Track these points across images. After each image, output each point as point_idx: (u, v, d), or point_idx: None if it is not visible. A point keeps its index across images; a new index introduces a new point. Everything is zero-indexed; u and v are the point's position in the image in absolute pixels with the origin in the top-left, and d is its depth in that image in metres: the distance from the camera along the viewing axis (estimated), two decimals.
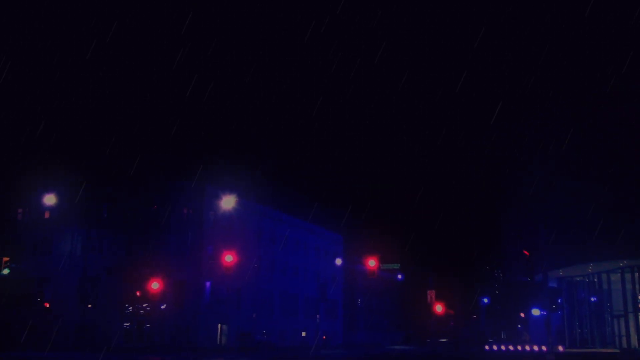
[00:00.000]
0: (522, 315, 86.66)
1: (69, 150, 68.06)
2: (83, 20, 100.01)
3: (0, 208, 63.03)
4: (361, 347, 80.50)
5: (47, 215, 62.60)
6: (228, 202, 50.55)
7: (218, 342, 62.87)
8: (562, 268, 61.91)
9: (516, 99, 69.45)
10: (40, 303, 59.86)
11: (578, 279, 68.13)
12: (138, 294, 57.58)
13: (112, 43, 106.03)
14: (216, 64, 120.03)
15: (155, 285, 51.84)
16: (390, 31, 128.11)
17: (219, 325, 63.42)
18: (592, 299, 66.39)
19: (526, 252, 41.60)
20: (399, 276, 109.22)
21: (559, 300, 52.74)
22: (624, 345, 58.28)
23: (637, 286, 57.42)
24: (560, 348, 54.02)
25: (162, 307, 59.09)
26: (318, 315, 66.37)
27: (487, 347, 63.72)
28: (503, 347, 61.10)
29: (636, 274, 57.38)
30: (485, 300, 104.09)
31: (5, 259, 57.69)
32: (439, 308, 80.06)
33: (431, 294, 73.55)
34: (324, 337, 77.76)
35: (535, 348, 54.76)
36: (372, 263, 46.19)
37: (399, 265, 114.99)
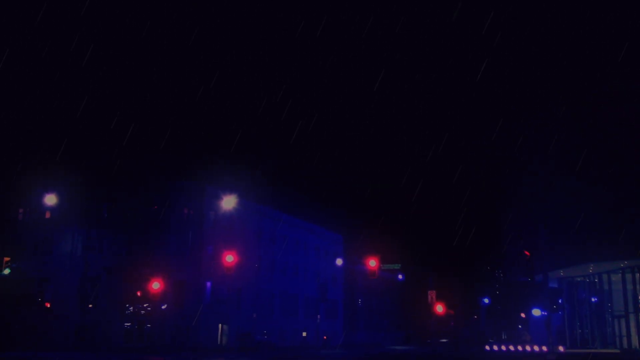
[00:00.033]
0: (523, 315, 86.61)
1: (69, 150, 68.05)
2: (83, 20, 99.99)
3: (1, 208, 63.05)
4: (361, 347, 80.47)
5: (47, 215, 62.61)
6: (228, 202, 50.59)
7: (218, 342, 62.87)
8: (562, 268, 61.86)
9: (516, 99, 69.46)
10: (40, 303, 59.86)
11: (579, 279, 68.07)
12: (138, 294, 57.59)
13: (112, 43, 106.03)
14: (216, 64, 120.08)
15: (155, 285, 51.87)
16: (390, 31, 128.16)
17: (220, 325, 63.43)
18: (593, 299, 66.32)
19: (526, 252, 41.61)
20: (400, 276, 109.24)
21: (560, 301, 52.71)
22: (625, 345, 58.22)
23: (637, 286, 57.34)
24: (561, 348, 53.99)
25: (163, 307, 59.08)
26: (318, 315, 66.40)
27: (487, 347, 63.69)
28: (503, 347, 61.05)
29: (637, 274, 57.30)
30: (486, 300, 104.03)
31: (6, 259, 57.52)
32: (439, 308, 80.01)
33: (431, 294, 73.52)
34: (324, 337, 77.74)
35: (536, 348, 54.72)
36: (372, 263, 46.21)
37: (400, 265, 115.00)
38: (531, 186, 62.79)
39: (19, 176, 61.67)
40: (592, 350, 58.21)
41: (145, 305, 58.99)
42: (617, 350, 56.65)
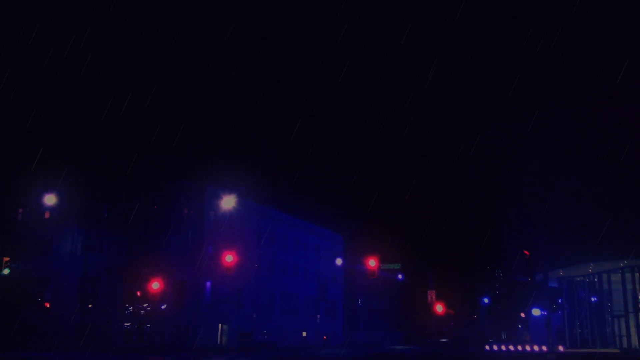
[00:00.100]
0: (523, 315, 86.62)
1: (69, 150, 68.07)
2: (83, 19, 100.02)
3: (1, 208, 63.03)
4: (361, 347, 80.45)
5: (47, 215, 62.58)
6: (228, 202, 50.56)
7: (218, 342, 62.87)
8: (562, 268, 61.89)
9: (516, 99, 69.45)
10: (40, 303, 59.85)
11: (578, 279, 68.09)
12: (138, 294, 57.59)
13: (112, 43, 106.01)
14: (216, 64, 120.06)
15: (155, 285, 51.87)
16: (390, 31, 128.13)
17: (220, 325, 63.42)
18: (593, 299, 66.35)
19: (526, 252, 41.59)
20: (399, 276, 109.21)
21: (560, 301, 52.79)
22: (625, 345, 58.27)
23: (637, 286, 57.39)
24: (561, 348, 54.01)
25: (163, 307, 59.08)
26: (318, 315, 66.38)
27: (487, 347, 63.68)
28: (503, 347, 61.05)
29: (637, 274, 57.36)
30: (486, 300, 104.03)
31: (6, 259, 57.50)
32: (439, 308, 79.97)
33: (431, 294, 73.49)
34: (324, 337, 77.74)
35: (536, 348, 54.72)
36: (372, 263, 46.18)
37: (399, 265, 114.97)
38: (531, 186, 62.80)
39: (19, 176, 61.65)
40: (592, 350, 58.23)
41: (145, 305, 58.99)
42: (617, 350, 56.67)
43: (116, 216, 61.06)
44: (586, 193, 54.44)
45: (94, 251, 58.34)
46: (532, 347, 56.00)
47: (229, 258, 40.49)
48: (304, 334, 77.73)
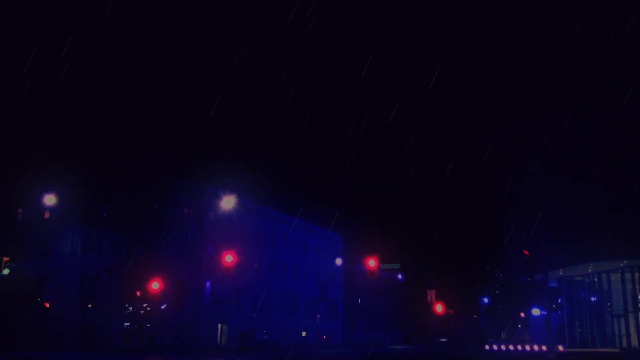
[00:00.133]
0: (522, 315, 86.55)
1: (69, 150, 68.01)
2: (83, 19, 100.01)
3: (0, 208, 63.03)
4: (361, 346, 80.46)
5: (47, 215, 62.59)
6: (228, 202, 50.60)
7: (218, 342, 62.88)
8: (562, 268, 61.87)
9: (516, 99, 69.45)
10: (40, 303, 59.87)
11: (578, 278, 68.07)
12: (138, 294, 57.63)
13: (112, 43, 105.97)
14: (216, 64, 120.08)
15: (155, 285, 51.92)
16: (390, 31, 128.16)
17: (219, 325, 63.44)
18: (592, 299, 66.33)
19: (526, 252, 41.66)
20: (399, 276, 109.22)
21: (559, 300, 52.80)
22: (624, 345, 58.26)
23: (637, 286, 57.39)
24: (560, 348, 54.00)
25: (163, 307, 59.11)
26: (318, 315, 66.41)
27: (487, 347, 63.63)
28: (503, 347, 61.00)
29: (636, 274, 57.35)
30: (486, 300, 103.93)
31: (5, 259, 57.53)
32: (439, 308, 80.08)
33: (431, 294, 73.57)
34: (324, 336, 77.77)
35: (536, 348, 54.70)
36: (372, 263, 46.22)
37: (399, 265, 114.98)
38: (531, 186, 62.80)
39: (19, 176, 61.63)
40: (592, 350, 58.24)
41: (145, 305, 59.03)
42: (617, 350, 56.66)
43: (116, 216, 61.08)
44: (586, 193, 54.45)
45: (94, 251, 58.42)
46: (532, 347, 55.98)
47: (229, 258, 40.53)
48: (304, 333, 77.75)
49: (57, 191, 50.02)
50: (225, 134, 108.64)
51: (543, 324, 52.93)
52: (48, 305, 59.03)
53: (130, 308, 59.57)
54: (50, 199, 49.65)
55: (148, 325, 59.95)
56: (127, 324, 60.12)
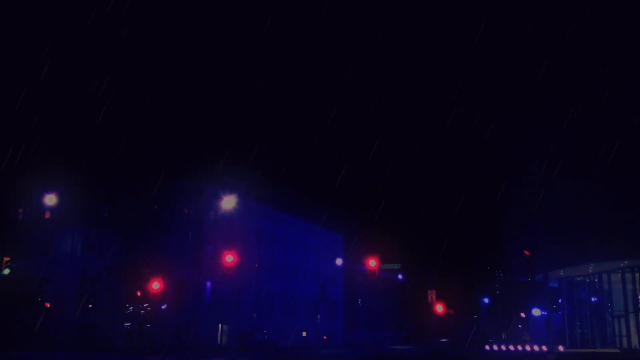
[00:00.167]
0: (523, 315, 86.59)
1: (69, 150, 67.99)
2: (83, 19, 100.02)
3: (1, 208, 62.99)
4: (361, 346, 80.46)
5: (47, 215, 62.56)
6: (228, 202, 50.60)
7: (219, 342, 62.86)
8: (562, 268, 61.87)
9: (516, 98, 69.45)
10: (40, 303, 59.79)
11: (578, 279, 68.07)
12: (138, 294, 57.58)
13: (112, 43, 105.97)
14: (216, 64, 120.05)
15: (155, 285, 51.88)
16: (390, 31, 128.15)
17: (220, 325, 63.41)
18: (593, 299, 66.33)
19: (526, 252, 41.58)
20: (400, 276, 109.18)
21: (560, 301, 52.70)
22: (625, 345, 58.26)
23: (637, 286, 57.37)
24: (561, 348, 53.99)
25: (163, 307, 59.07)
26: (318, 315, 66.39)
27: (487, 347, 63.67)
28: (503, 347, 61.05)
29: (637, 274, 57.33)
30: (486, 300, 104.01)
31: (6, 259, 57.56)
32: (439, 308, 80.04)
33: (431, 294, 73.58)
34: (324, 337, 77.73)
35: (536, 348, 54.72)
36: (372, 263, 46.20)
37: (400, 265, 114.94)
38: (531, 186, 62.79)
39: (19, 176, 61.60)
40: (592, 350, 58.23)
41: (145, 305, 58.98)
42: (617, 350, 56.68)
43: (116, 216, 61.05)
44: (586, 193, 54.44)
45: (94, 251, 58.39)
46: (532, 347, 55.99)
47: (229, 258, 40.52)
48: (304, 334, 77.73)
49: (57, 191, 50.03)
50: (225, 134, 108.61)
51: (543, 324, 52.82)
52: (48, 305, 58.93)
53: (131, 308, 59.54)
54: (50, 199, 49.65)
55: (148, 325, 59.92)
56: (127, 324, 60.08)
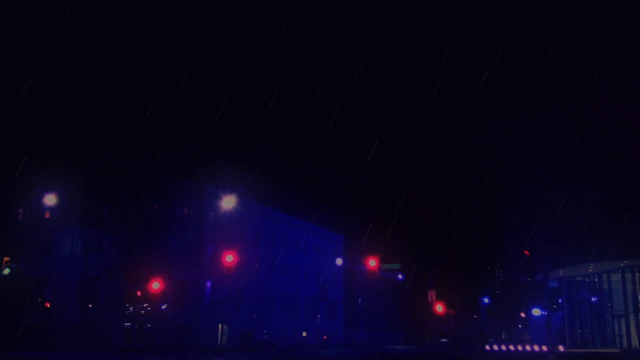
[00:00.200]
0: (523, 315, 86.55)
1: (69, 150, 68.03)
2: (83, 19, 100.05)
3: (1, 208, 63.04)
4: (361, 346, 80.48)
5: (47, 215, 62.60)
6: (228, 202, 50.64)
7: (219, 342, 62.87)
8: (562, 268, 61.84)
9: (516, 98, 69.45)
10: (40, 303, 59.86)
11: (578, 279, 68.04)
12: (138, 294, 57.60)
13: (112, 42, 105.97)
14: (216, 64, 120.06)
15: (155, 285, 51.93)
16: (390, 31, 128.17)
17: (220, 325, 63.42)
18: (593, 299, 66.29)
19: (526, 252, 41.64)
20: (400, 276, 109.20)
21: (560, 300, 52.72)
22: (625, 345, 58.23)
23: (637, 286, 57.34)
24: (561, 348, 53.95)
25: (163, 307, 59.08)
26: (318, 315, 66.35)
27: (487, 347, 63.62)
28: (503, 347, 60.98)
29: (637, 274, 57.29)
30: (486, 300, 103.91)
31: (6, 259, 57.61)
32: (439, 308, 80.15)
33: (431, 294, 73.67)
34: (324, 336, 77.73)
35: (536, 348, 54.67)
36: (372, 263, 46.30)
37: (400, 265, 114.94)
38: (531, 186, 62.78)
39: (19, 176, 61.62)
40: (592, 350, 58.20)
41: (145, 305, 59.00)
42: (617, 350, 56.64)
43: (116, 216, 61.08)
44: (586, 193, 54.41)
45: (94, 251, 58.37)
46: (532, 347, 55.95)
47: (229, 258, 40.58)
48: (304, 334, 77.74)
49: (57, 191, 50.07)
50: (225, 134, 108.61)
51: (543, 324, 52.87)
52: (48, 305, 59.01)
53: (131, 308, 59.55)
54: (50, 199, 49.68)
55: (148, 325, 59.92)
56: (127, 324, 60.10)
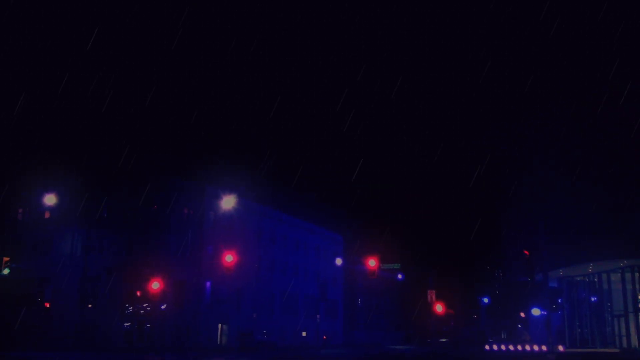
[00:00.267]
0: (523, 315, 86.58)
1: (69, 150, 68.03)
2: (83, 19, 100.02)
3: (0, 208, 63.00)
4: (361, 346, 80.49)
5: (47, 215, 62.59)
6: (228, 202, 50.59)
7: (218, 342, 62.87)
8: (562, 268, 61.88)
9: (516, 98, 69.43)
10: (40, 303, 59.80)
11: (578, 278, 68.07)
12: (138, 294, 57.59)
13: (112, 42, 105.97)
14: (216, 64, 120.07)
15: (155, 285, 51.91)
16: (390, 31, 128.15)
17: (220, 325, 63.42)
18: (593, 299, 66.33)
19: (526, 252, 41.61)
20: (399, 276, 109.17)
21: (559, 300, 52.73)
22: (624, 345, 58.27)
23: (637, 286, 57.39)
24: (561, 348, 53.99)
25: (163, 307, 59.08)
26: (318, 315, 66.36)
27: (487, 347, 63.66)
28: (503, 347, 61.02)
29: (636, 274, 57.34)
30: (486, 300, 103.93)
31: (6, 259, 57.56)
32: (439, 308, 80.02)
33: (431, 294, 73.55)
34: (324, 336, 77.74)
35: (536, 348, 54.70)
36: (372, 263, 46.24)
37: (400, 265, 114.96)
38: (531, 186, 62.78)
39: (18, 176, 61.63)
40: (592, 350, 58.23)
41: (145, 305, 58.99)
42: (617, 350, 56.67)
43: (116, 216, 61.07)
44: (586, 193, 54.42)
45: (94, 251, 58.38)
46: (532, 347, 55.97)
47: (229, 258, 40.54)
48: (304, 334, 77.74)
49: (57, 191, 50.05)
50: (225, 134, 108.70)
51: (543, 324, 52.88)
52: (48, 305, 58.96)
53: (131, 308, 59.54)
54: (50, 199, 49.66)
55: (148, 325, 59.92)
56: (127, 324, 60.09)
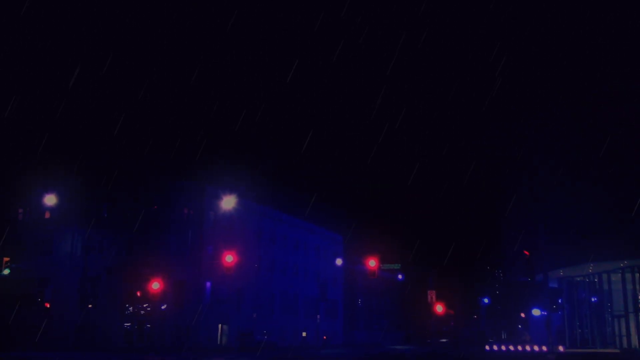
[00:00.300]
0: (523, 315, 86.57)
1: (69, 150, 68.11)
2: (83, 19, 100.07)
3: (0, 208, 63.05)
4: (361, 346, 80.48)
5: (47, 215, 62.62)
6: (228, 202, 50.62)
7: (218, 342, 62.87)
8: (562, 268, 61.81)
9: (516, 98, 69.45)
10: (40, 303, 59.84)
11: (578, 279, 68.02)
12: (138, 294, 57.61)
13: (112, 42, 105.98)
14: (217, 64, 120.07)
15: (155, 285, 51.93)
16: (390, 31, 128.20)
17: (220, 325, 63.42)
18: (593, 299, 66.27)
19: (526, 252, 41.63)
20: (399, 276, 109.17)
21: (560, 301, 52.73)
22: (625, 345, 58.20)
23: (637, 286, 57.32)
24: (561, 348, 53.95)
25: (163, 307, 59.09)
26: (318, 315, 66.38)
27: (487, 347, 63.63)
28: (503, 347, 60.98)
29: (637, 274, 57.27)
30: (486, 300, 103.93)
31: (6, 259, 57.63)
32: (439, 308, 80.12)
33: (431, 294, 73.62)
34: (324, 337, 77.73)
35: (536, 348, 54.66)
36: (372, 263, 46.29)
37: (400, 265, 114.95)
38: (531, 186, 62.75)
39: (19, 176, 61.65)
40: (592, 350, 58.18)
41: (145, 305, 59.01)
42: (617, 350, 56.62)
43: (116, 216, 61.09)
44: (586, 193, 54.38)
45: (94, 251, 58.40)
46: (532, 347, 55.94)
47: (229, 258, 40.57)
48: (304, 334, 77.73)
49: (57, 191, 50.05)
50: (225, 134, 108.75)
51: (543, 324, 52.88)
52: (48, 305, 58.99)
53: (131, 308, 59.55)
54: (50, 199, 49.67)
55: (148, 325, 59.94)
56: (127, 324, 60.11)
